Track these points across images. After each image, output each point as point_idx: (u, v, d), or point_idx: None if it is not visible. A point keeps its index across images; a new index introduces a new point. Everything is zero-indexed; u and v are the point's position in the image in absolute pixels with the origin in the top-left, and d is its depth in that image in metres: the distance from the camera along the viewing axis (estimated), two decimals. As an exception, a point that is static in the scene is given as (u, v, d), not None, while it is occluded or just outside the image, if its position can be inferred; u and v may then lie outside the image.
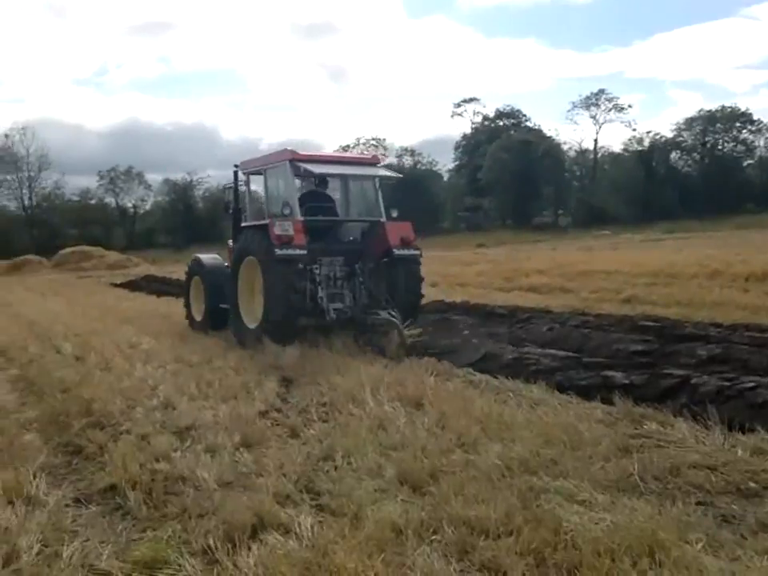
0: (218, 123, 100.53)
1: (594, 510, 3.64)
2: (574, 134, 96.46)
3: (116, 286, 24.54)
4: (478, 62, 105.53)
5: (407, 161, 67.48)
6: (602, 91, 67.85)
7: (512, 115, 71.44)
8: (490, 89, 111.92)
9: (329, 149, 67.05)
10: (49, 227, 49.45)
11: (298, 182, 10.51)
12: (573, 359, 7.15)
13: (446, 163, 71.67)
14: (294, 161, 9.92)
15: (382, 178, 10.73)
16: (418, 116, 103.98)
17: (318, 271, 9.66)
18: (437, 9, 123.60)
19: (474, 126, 72.09)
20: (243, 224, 10.68)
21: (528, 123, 69.96)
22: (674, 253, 23.37)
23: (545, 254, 29.89)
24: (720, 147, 65.19)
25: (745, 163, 65.53)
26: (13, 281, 29.56)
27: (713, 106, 65.87)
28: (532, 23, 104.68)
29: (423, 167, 67.97)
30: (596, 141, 69.34)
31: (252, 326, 9.78)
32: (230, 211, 11.30)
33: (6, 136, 52.89)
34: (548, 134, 67.45)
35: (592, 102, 67.39)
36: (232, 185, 11.30)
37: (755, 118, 63.40)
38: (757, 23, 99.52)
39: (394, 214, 10.38)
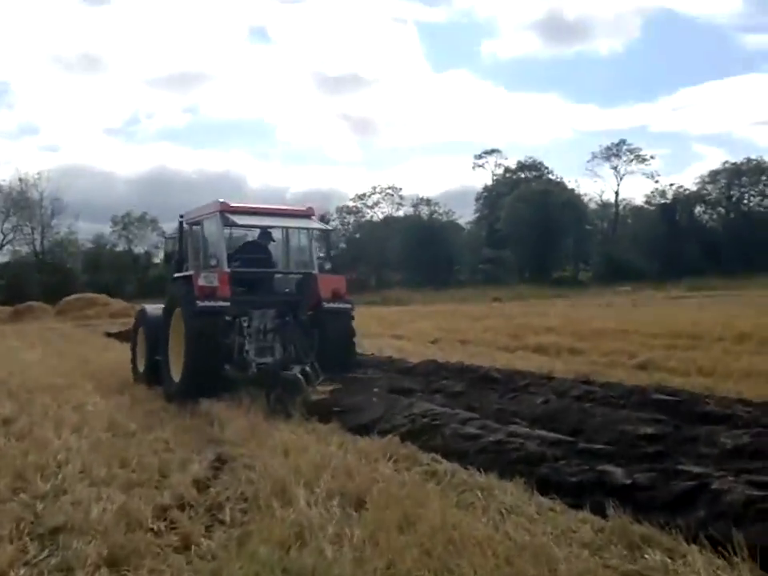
0: (244, 173, 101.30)
1: None
2: (594, 185, 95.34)
3: (109, 335, 23.50)
4: (501, 116, 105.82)
5: (424, 211, 66.94)
6: (623, 141, 67.04)
7: (533, 167, 70.81)
8: (511, 142, 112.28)
9: (351, 198, 67.04)
10: (59, 273, 48.93)
11: (226, 233, 10.36)
12: (566, 444, 5.80)
13: (464, 216, 71.12)
14: (224, 212, 9.87)
15: (309, 229, 10.71)
16: (441, 168, 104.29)
17: (246, 324, 9.63)
18: (460, 63, 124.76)
19: (495, 177, 71.59)
20: (175, 275, 10.50)
21: (550, 176, 69.26)
22: (697, 312, 21.92)
23: (560, 310, 28.47)
24: (746, 201, 63.79)
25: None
26: (7, 329, 28.72)
27: (738, 159, 64.54)
28: (555, 77, 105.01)
29: (440, 217, 67.24)
30: (617, 193, 68.34)
31: (177, 379, 9.52)
32: (172, 262, 11.12)
33: (20, 180, 52.91)
34: (568, 186, 66.65)
35: (613, 152, 66.58)
36: (174, 235, 11.12)
37: (782, 172, 62.10)
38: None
39: (327, 266, 11.23)
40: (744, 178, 62.96)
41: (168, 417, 8.21)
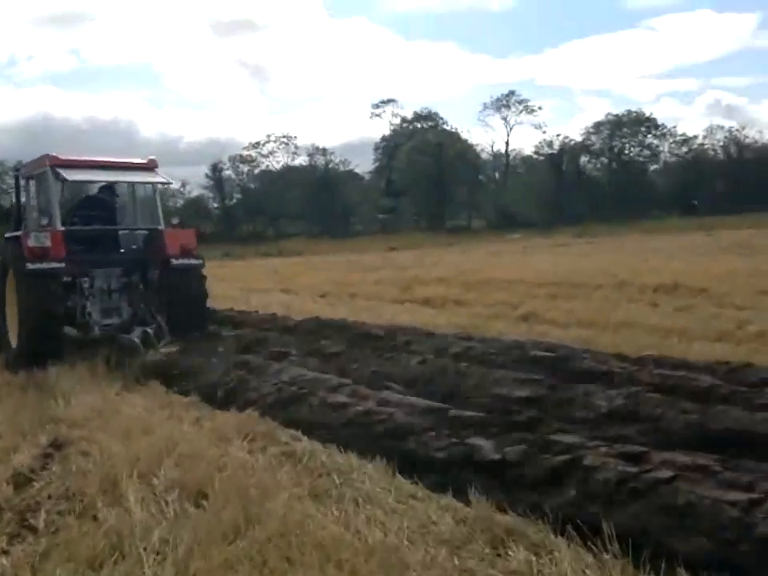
0: (136, 120, 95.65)
1: None
2: (486, 136, 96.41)
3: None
4: (398, 65, 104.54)
5: (320, 161, 65.56)
6: (512, 92, 68.08)
7: (429, 118, 70.58)
8: (409, 91, 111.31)
9: (245, 147, 64.40)
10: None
11: (58, 188, 9.58)
12: (437, 413, 5.38)
13: (363, 166, 70.17)
14: (54, 166, 9.33)
15: (149, 183, 10.20)
16: (339, 117, 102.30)
17: (87, 284, 9.26)
18: (358, 11, 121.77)
19: (392, 127, 70.83)
20: (6, 234, 9.73)
21: (445, 126, 69.23)
22: (579, 260, 22.40)
23: (452, 258, 28.61)
24: (627, 152, 66.22)
25: (651, 168, 66.82)
26: None
27: (619, 111, 66.80)
28: (450, 29, 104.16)
29: (337, 167, 66.08)
30: (507, 143, 69.39)
31: (14, 345, 9.02)
32: (10, 219, 10.48)
33: None
34: (462, 137, 66.93)
35: (503, 103, 67.40)
36: (9, 190, 10.16)
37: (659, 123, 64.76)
38: (657, 34, 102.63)
39: (175, 221, 10.25)
40: (625, 129, 65.26)
41: (3, 392, 7.27)
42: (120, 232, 10.21)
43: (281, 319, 11.28)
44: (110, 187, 10.28)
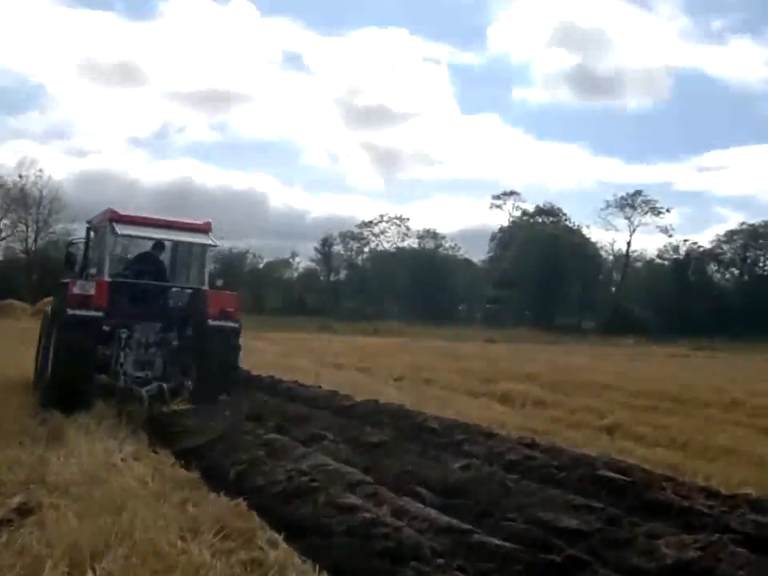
0: (267, 193, 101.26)
1: None
2: (607, 234, 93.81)
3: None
4: (524, 161, 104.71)
5: (428, 243, 65.65)
6: (638, 192, 65.26)
7: (551, 212, 68.44)
8: (533, 186, 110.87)
9: (357, 225, 65.79)
10: (47, 273, 47.47)
11: (112, 241, 10.05)
12: (457, 534, 4.36)
13: (480, 255, 69.66)
14: (112, 220, 9.72)
15: (196, 245, 10.56)
16: (461, 206, 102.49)
17: (124, 335, 9.41)
18: (490, 107, 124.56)
19: (512, 219, 69.95)
20: (63, 280, 10.16)
21: (567, 222, 67.55)
22: (692, 373, 20.35)
23: (551, 356, 26.96)
24: (761, 264, 62.08)
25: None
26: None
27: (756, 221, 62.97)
28: (582, 129, 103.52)
29: (446, 252, 65.86)
30: (629, 243, 66.52)
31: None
32: (75, 267, 10.65)
33: (20, 176, 50.89)
34: (582, 232, 65.11)
35: (628, 202, 64.86)
36: (76, 240, 11.33)
37: (800, 236, 60.50)
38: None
39: (219, 283, 10.65)
40: (761, 241, 61.39)
41: (13, 437, 6.88)
42: (171, 289, 10.51)
43: (339, 398, 10.48)
44: (160, 245, 10.66)
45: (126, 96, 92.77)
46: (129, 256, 11.58)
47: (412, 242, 66.49)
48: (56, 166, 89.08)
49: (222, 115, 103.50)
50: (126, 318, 9.55)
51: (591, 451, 7.52)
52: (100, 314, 9.02)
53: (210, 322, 9.45)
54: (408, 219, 66.54)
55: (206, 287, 10.11)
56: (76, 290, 8.99)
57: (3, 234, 50.77)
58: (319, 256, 62.85)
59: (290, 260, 62.36)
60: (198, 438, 7.04)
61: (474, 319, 60.71)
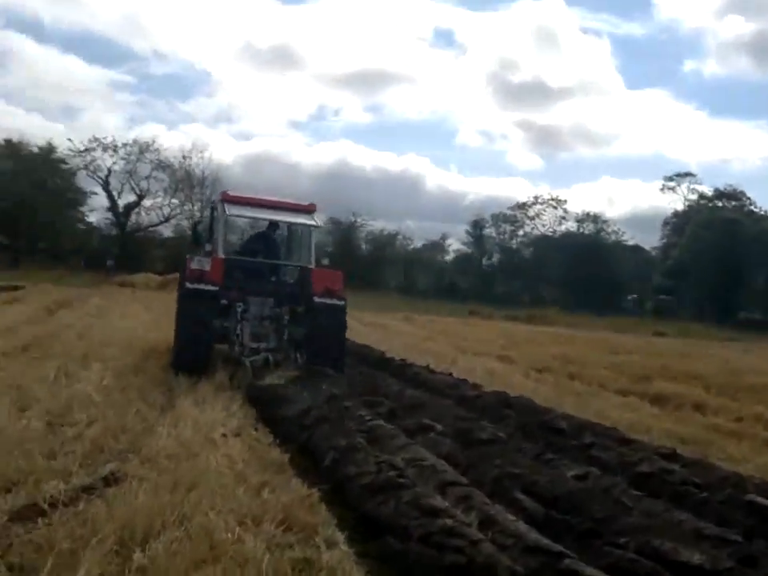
0: (423, 174, 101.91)
1: None
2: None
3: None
4: (698, 140, 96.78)
5: (588, 227, 62.32)
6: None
7: (733, 196, 61.77)
8: (710, 169, 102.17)
9: (509, 207, 63.92)
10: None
11: (224, 220, 10.79)
12: (544, 556, 3.72)
13: (652, 242, 65.09)
14: (225, 201, 10.63)
15: (298, 225, 11.20)
16: (628, 188, 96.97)
17: (240, 309, 10.00)
18: (657, 81, 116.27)
19: (688, 203, 64.57)
20: (188, 256, 10.71)
21: (752, 207, 61.08)
22: None
23: (726, 354, 24.44)
24: None
25: None
26: (149, 295, 29.89)
27: None
28: (765, 103, 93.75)
29: (608, 237, 62.17)
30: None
31: None
32: (200, 245, 11.61)
33: (184, 157, 54.20)
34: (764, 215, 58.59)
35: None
36: (200, 219, 12.12)
37: None
38: None
39: (325, 262, 11.82)
40: None
41: (135, 398, 7.12)
42: (283, 267, 11.25)
43: (465, 387, 9.93)
44: (275, 225, 11.38)
45: (284, 79, 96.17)
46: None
47: (570, 226, 63.43)
48: (225, 149, 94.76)
49: (375, 96, 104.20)
50: (241, 292, 10.08)
51: (749, 470, 6.45)
52: (215, 288, 9.64)
53: (316, 299, 9.94)
54: (565, 202, 63.42)
55: (312, 266, 10.62)
56: (193, 266, 9.74)
57: (173, 213, 54.66)
58: (470, 239, 61.76)
59: (440, 242, 61.78)
60: (293, 408, 7.19)
61: (642, 311, 56.85)
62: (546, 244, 61.08)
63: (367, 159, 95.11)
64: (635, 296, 63.21)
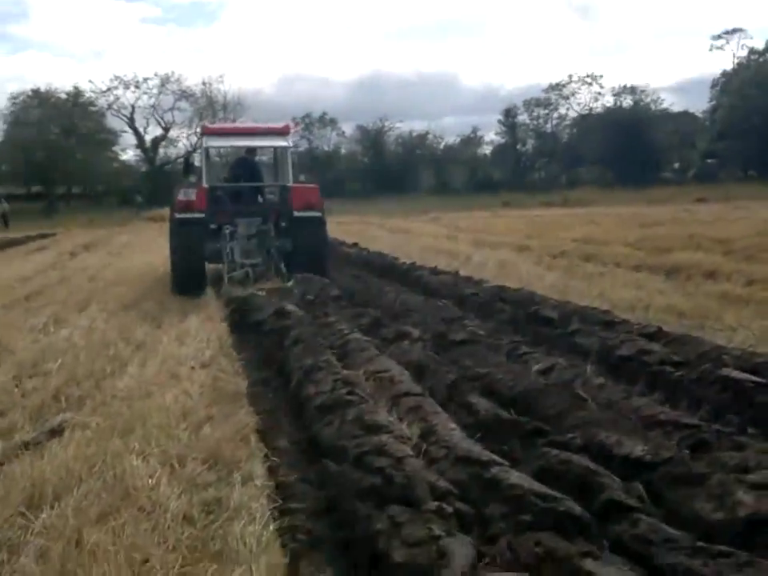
0: (459, 69, 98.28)
1: None
2: None
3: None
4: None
5: (626, 101, 59.23)
6: None
7: None
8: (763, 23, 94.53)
9: (543, 89, 61.02)
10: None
11: (204, 153, 11.99)
12: (476, 467, 3.50)
13: (697, 106, 61.43)
14: (204, 134, 12.28)
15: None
16: (674, 55, 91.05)
17: (228, 230, 10.79)
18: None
19: (737, 61, 60.21)
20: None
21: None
22: None
23: (766, 215, 23.29)
24: None
25: None
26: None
27: None
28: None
29: (648, 108, 58.94)
30: None
31: None
32: (190, 176, 12.58)
33: (204, 83, 54.36)
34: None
35: None
36: (191, 149, 12.94)
37: None
38: None
39: (302, 178, 12.00)
40: None
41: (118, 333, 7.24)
42: (264, 187, 11.88)
43: (462, 284, 9.65)
44: (252, 150, 12.04)
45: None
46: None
47: (606, 102, 60.54)
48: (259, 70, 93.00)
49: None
50: (228, 215, 10.93)
51: (740, 338, 6.08)
52: (201, 215, 10.52)
53: (295, 213, 10.73)
54: (601, 77, 60.37)
55: (290, 183, 11.28)
56: (180, 197, 10.59)
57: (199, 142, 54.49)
58: (503, 128, 59.59)
59: (471, 135, 59.91)
60: (260, 314, 7.68)
61: (685, 179, 54.58)
62: (582, 123, 58.56)
63: (400, 62, 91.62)
64: (677, 165, 60.70)
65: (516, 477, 3.33)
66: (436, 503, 3.19)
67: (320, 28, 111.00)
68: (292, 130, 12.35)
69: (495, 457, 3.59)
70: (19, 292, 11.41)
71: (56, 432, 4.69)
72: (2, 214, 39.09)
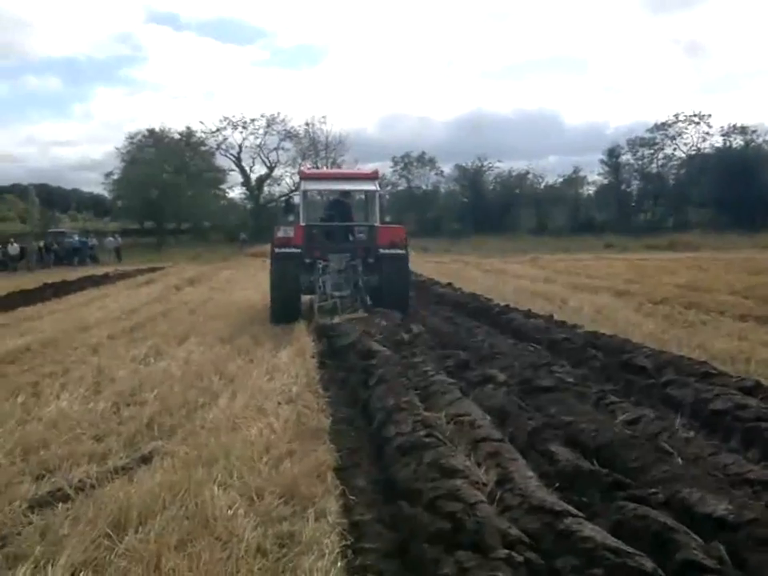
0: (560, 108, 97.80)
1: None
2: None
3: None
4: None
5: (736, 141, 56.67)
6: None
7: None
8: None
9: (648, 129, 59.28)
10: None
11: (301, 195, 12.79)
12: (549, 517, 3.41)
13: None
14: (302, 178, 13.54)
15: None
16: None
17: (321, 265, 11.87)
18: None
19: None
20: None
21: None
22: None
23: None
24: None
25: None
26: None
27: None
28: None
29: (760, 148, 56.05)
30: None
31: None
32: (290, 215, 14.15)
33: (307, 124, 57.02)
34: None
35: None
36: (291, 194, 13.86)
37: None
38: None
39: (387, 219, 13.81)
40: None
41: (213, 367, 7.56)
42: (354, 227, 12.78)
43: (555, 329, 9.45)
44: (346, 192, 13.23)
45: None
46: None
47: (715, 142, 58.04)
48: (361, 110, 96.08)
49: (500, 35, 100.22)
50: (322, 251, 12.01)
51: None
52: (298, 250, 11.62)
53: (381, 250, 11.78)
54: (710, 116, 57.97)
55: (377, 224, 12.34)
56: (280, 234, 11.81)
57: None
58: (606, 168, 58.23)
59: (573, 175, 58.80)
60: (347, 339, 8.62)
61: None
62: (690, 163, 56.41)
63: (501, 101, 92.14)
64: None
65: (590, 529, 3.24)
66: (506, 551, 3.15)
67: (421, 68, 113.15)
68: (380, 175, 13.47)
69: (570, 508, 3.50)
70: (125, 324, 12.08)
71: (146, 459, 4.94)
72: (116, 248, 42.27)
